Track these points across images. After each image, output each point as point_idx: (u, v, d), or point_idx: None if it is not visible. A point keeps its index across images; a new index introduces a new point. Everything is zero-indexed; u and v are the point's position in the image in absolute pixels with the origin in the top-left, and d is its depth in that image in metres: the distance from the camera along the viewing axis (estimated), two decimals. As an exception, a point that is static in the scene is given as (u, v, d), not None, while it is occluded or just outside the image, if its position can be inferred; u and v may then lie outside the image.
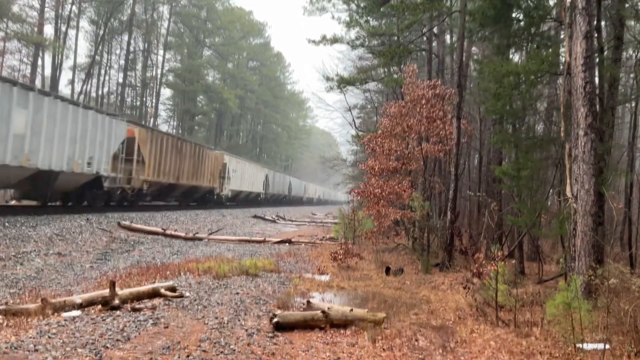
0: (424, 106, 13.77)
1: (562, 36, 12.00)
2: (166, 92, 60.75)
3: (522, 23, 11.43)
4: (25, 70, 40.14)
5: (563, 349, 5.72)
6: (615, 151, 13.91)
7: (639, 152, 16.51)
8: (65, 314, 6.08)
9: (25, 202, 19.12)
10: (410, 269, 12.04)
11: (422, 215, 12.87)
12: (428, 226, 13.46)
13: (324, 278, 10.31)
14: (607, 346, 5.52)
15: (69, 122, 16.91)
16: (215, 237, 17.08)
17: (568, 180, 8.15)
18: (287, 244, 16.66)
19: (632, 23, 14.54)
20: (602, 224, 9.09)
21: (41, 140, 15.45)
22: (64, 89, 45.31)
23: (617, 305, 5.97)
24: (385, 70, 21.00)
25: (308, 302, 7.13)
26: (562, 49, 11.20)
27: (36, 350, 4.77)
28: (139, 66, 53.36)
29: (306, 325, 6.20)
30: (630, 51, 15.80)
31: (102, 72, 48.27)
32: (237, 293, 8.08)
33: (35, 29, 37.22)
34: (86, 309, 6.43)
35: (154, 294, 7.37)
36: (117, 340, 5.25)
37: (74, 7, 42.30)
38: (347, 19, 19.39)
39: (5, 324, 5.56)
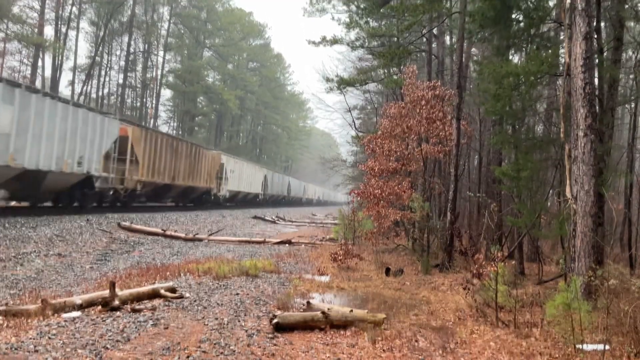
0: (424, 107, 13.78)
1: (561, 37, 12.01)
2: (166, 93, 60.99)
3: (521, 24, 11.45)
4: (25, 71, 40.29)
5: (563, 350, 5.72)
6: (615, 152, 13.94)
7: (639, 153, 16.54)
8: (65, 315, 6.08)
9: (13, 203, 18.78)
10: (410, 269, 12.04)
11: (421, 216, 12.87)
12: (428, 227, 13.46)
13: (324, 279, 10.30)
14: (607, 347, 5.52)
15: (58, 120, 16.31)
16: (215, 237, 17.07)
17: (568, 181, 8.15)
18: (287, 245, 16.66)
19: (632, 24, 14.55)
20: (601, 225, 9.11)
21: (28, 139, 14.91)
22: (64, 90, 45.45)
23: (617, 306, 5.99)
24: (385, 71, 21.05)
25: (308, 302, 7.14)
26: (561, 50, 11.19)
27: (36, 351, 4.78)
28: (139, 67, 53.40)
29: (306, 326, 6.20)
30: (630, 52, 15.85)
31: (102, 73, 48.39)
32: (237, 294, 8.08)
33: (36, 30, 37.27)
34: (86, 309, 6.43)
35: (154, 294, 7.37)
36: (117, 341, 5.26)
37: (74, 8, 42.40)
38: (347, 20, 19.48)
39: (5, 324, 5.57)
